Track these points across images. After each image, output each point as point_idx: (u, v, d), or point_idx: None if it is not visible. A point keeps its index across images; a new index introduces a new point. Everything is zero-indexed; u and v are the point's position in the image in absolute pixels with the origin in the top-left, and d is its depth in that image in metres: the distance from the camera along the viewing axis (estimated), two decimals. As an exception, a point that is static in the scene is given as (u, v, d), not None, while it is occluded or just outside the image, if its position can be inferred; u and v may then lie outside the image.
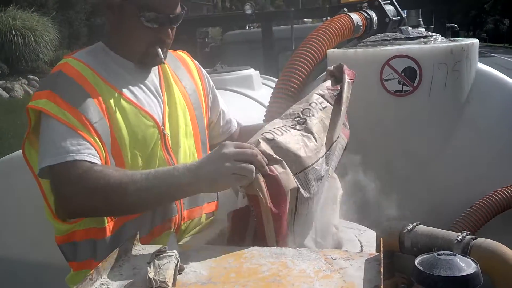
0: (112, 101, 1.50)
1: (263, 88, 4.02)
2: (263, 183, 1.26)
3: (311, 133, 1.42)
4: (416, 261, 1.23)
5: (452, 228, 2.18)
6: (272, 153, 1.31)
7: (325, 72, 2.62)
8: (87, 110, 1.44)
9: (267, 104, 2.56)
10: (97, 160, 1.42)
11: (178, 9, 1.56)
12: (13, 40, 12.60)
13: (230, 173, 1.25)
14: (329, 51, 2.55)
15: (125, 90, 1.54)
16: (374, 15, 3.17)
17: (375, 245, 1.51)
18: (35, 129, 1.51)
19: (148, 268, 1.08)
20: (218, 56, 8.56)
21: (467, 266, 1.17)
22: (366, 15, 3.07)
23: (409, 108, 2.35)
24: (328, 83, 1.59)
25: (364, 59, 2.41)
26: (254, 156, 1.26)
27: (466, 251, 1.92)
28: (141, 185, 1.33)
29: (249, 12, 7.71)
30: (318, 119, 1.47)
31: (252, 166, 1.24)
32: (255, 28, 8.87)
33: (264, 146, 1.32)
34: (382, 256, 1.15)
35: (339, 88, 1.57)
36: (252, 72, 3.96)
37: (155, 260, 1.10)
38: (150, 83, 1.61)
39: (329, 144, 1.47)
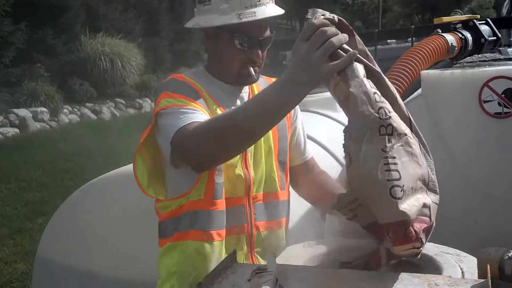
0: (212, 108, 1.65)
1: (346, 110, 3.98)
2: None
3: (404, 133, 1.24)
4: (520, 289, 1.17)
5: (556, 256, 2.05)
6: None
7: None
8: (198, 102, 1.61)
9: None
10: None
11: (267, 33, 1.70)
12: (102, 65, 13.20)
13: (323, 61, 1.26)
14: (423, 72, 2.50)
15: (222, 105, 1.69)
16: (469, 36, 3.10)
17: (476, 272, 1.45)
18: (149, 140, 1.64)
19: (249, 285, 1.09)
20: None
21: None
22: (460, 35, 3.01)
23: (510, 130, 2.26)
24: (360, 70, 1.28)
25: (462, 80, 2.35)
26: (325, 32, 1.26)
27: None
28: (248, 110, 1.42)
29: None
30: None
31: (332, 40, 1.25)
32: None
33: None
34: (490, 283, 1.10)
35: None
36: (335, 94, 3.93)
37: (255, 278, 1.10)
38: (241, 102, 1.74)
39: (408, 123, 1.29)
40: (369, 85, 1.24)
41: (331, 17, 1.29)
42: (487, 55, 2.50)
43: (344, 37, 1.28)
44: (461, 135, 2.36)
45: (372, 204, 1.21)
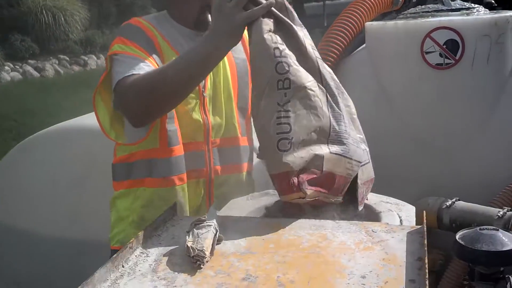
0: (167, 54, 1.66)
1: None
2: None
3: (304, 87, 1.27)
4: (457, 236, 1.20)
5: (491, 204, 2.13)
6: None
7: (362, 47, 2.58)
8: (150, 51, 1.62)
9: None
10: None
11: None
12: (44, 20, 12.66)
13: (237, 11, 1.35)
14: (367, 24, 2.50)
15: (179, 50, 1.68)
16: (413, -12, 3.09)
17: (414, 220, 1.48)
18: (107, 80, 1.64)
19: (187, 237, 1.08)
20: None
21: (510, 241, 1.14)
22: (405, -13, 2.99)
23: (450, 81, 2.29)
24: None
25: (405, 31, 2.35)
26: None
27: (507, 226, 1.87)
28: (177, 64, 1.48)
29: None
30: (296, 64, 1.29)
31: None
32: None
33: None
34: (425, 229, 1.12)
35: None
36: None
37: (194, 230, 1.10)
38: None
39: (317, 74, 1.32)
40: (272, 40, 1.28)
41: None
42: (430, 6, 2.50)
43: None
44: (403, 86, 2.38)
45: (264, 156, 1.28)
